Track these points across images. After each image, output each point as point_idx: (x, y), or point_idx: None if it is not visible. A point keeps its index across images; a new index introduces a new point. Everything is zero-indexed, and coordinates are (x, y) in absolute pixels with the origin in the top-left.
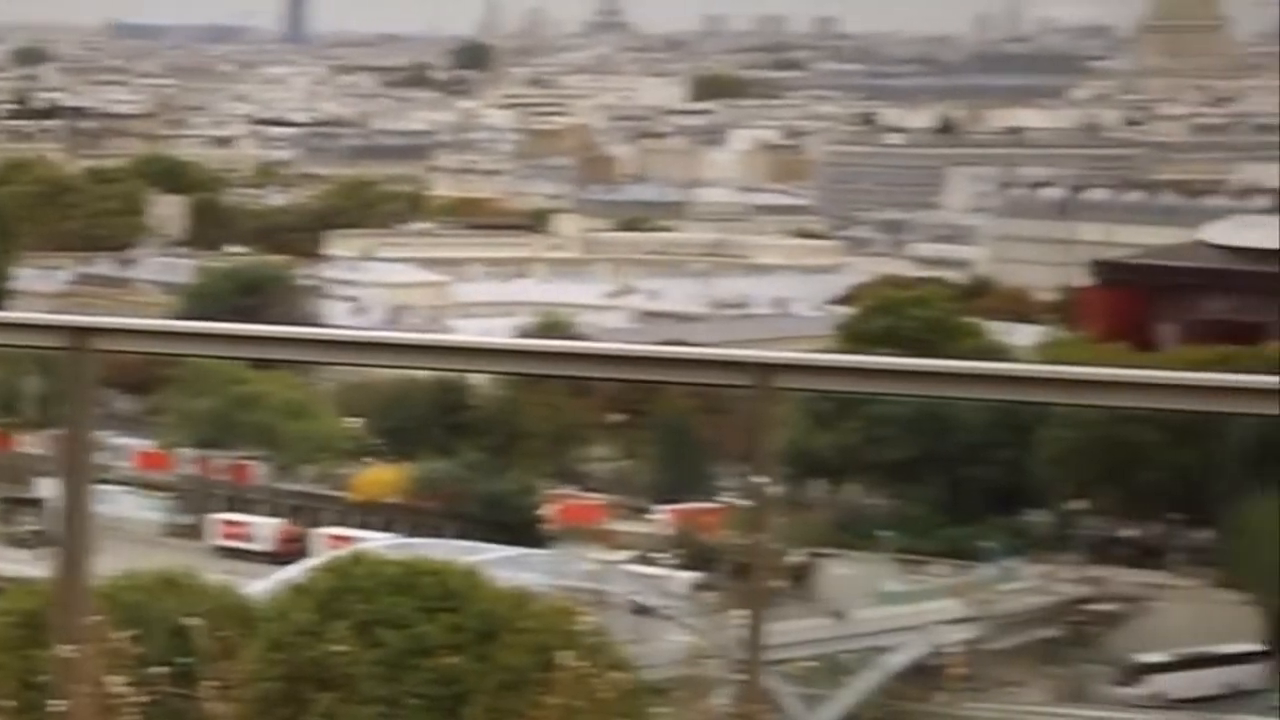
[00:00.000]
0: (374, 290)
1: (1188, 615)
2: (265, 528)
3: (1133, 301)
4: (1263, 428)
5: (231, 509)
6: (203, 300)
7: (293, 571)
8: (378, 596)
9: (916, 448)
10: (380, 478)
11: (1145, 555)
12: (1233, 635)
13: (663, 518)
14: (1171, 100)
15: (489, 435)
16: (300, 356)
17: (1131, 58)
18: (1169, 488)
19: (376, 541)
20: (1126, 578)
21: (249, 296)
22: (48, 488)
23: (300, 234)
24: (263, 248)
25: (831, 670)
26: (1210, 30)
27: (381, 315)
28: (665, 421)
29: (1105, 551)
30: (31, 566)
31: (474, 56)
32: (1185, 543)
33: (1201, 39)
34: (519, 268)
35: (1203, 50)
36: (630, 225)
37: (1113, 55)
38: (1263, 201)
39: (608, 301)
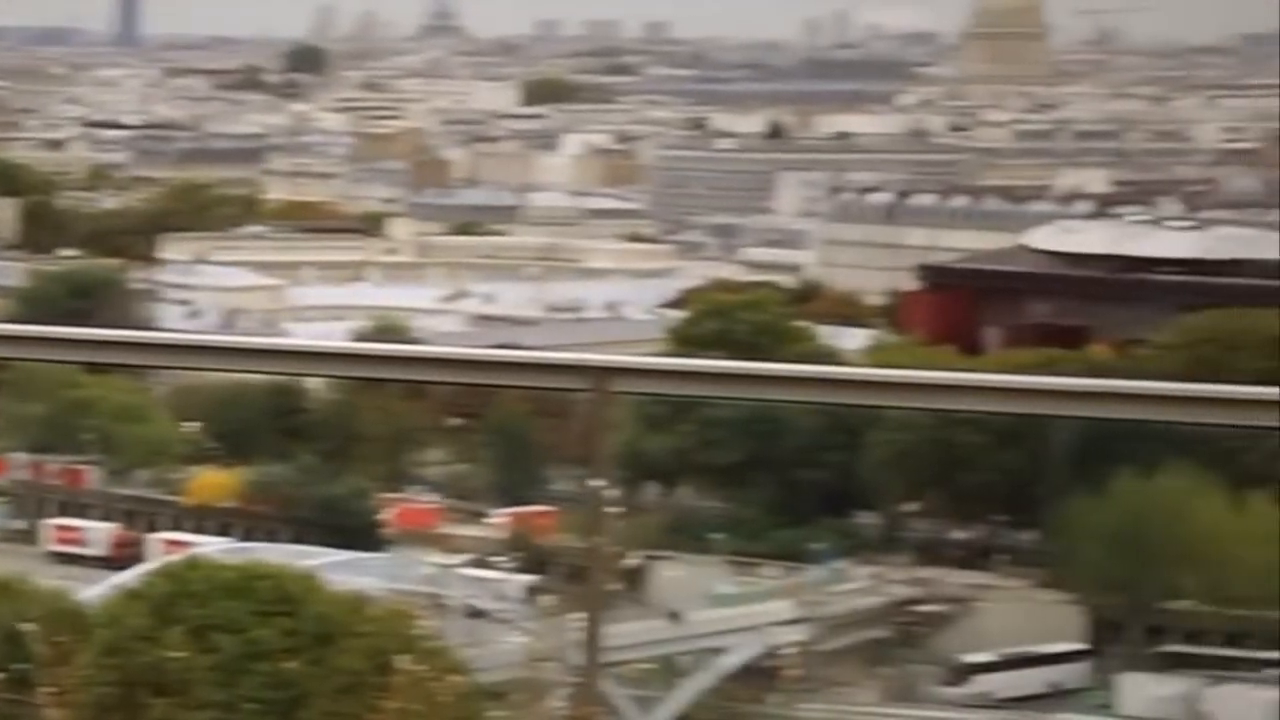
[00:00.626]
0: (208, 294)
1: (1013, 615)
2: (99, 532)
3: (959, 305)
4: (1084, 430)
5: (65, 514)
6: (35, 304)
7: (127, 576)
8: (213, 601)
9: (748, 450)
10: (215, 482)
11: (972, 556)
12: (1056, 635)
13: (499, 521)
14: (995, 106)
15: (324, 439)
16: (134, 360)
17: (956, 64)
18: (994, 490)
19: (212, 546)
20: (954, 579)
21: (82, 300)
22: None
23: (133, 237)
24: (95, 251)
25: (666, 672)
26: (1033, 38)
27: (216, 319)
28: (501, 425)
29: (933, 553)
30: None
31: (306, 59)
32: (1010, 544)
33: (1024, 46)
34: (353, 271)
35: (1025, 57)
36: (463, 229)
37: (938, 62)
38: (1085, 206)
39: (441, 305)
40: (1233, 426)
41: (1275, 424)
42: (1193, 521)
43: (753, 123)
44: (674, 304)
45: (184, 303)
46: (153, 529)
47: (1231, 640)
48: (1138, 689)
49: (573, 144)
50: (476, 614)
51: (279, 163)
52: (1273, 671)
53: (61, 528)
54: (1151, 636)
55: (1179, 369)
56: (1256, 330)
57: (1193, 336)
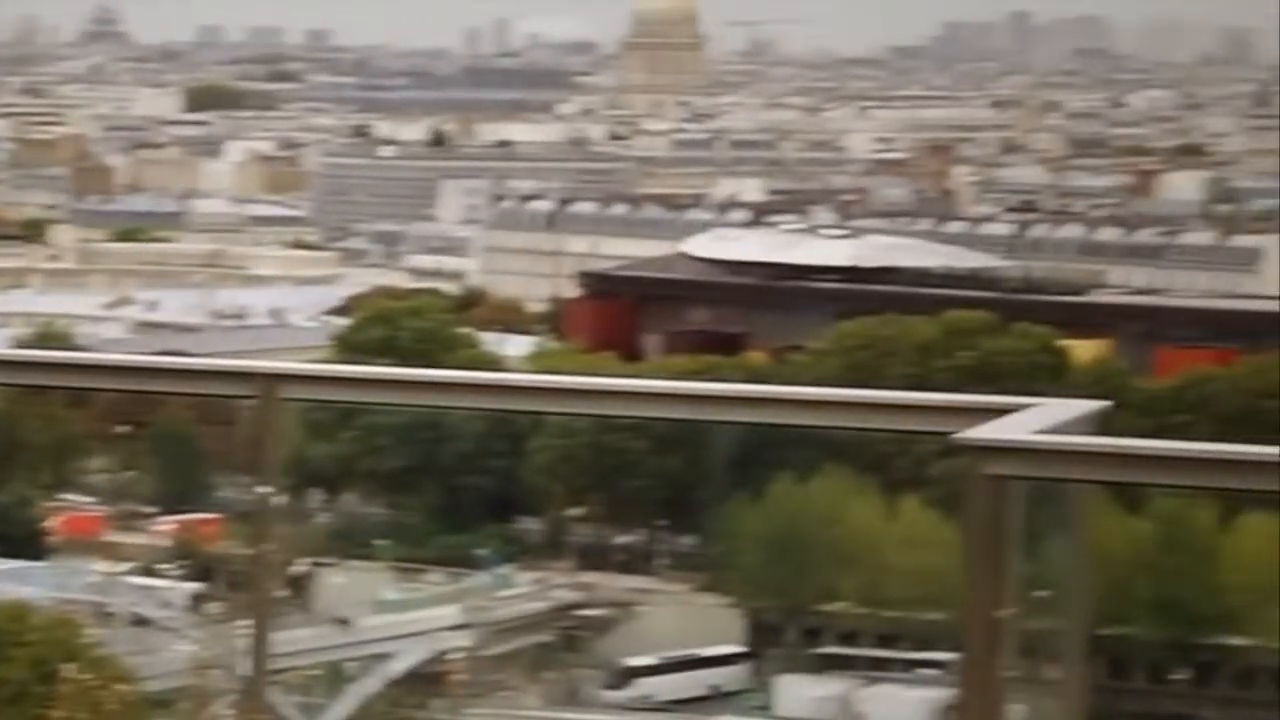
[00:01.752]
0: None
1: (674, 619)
2: None
3: (619, 312)
4: (742, 435)
5: None
6: None
7: None
8: None
9: (412, 457)
10: None
11: (633, 561)
12: (716, 637)
13: (164, 529)
14: (654, 116)
15: None
16: None
17: (615, 74)
18: (655, 495)
19: None
20: (616, 583)
21: None
22: None
23: None
24: None
25: (333, 678)
26: (689, 48)
27: None
28: (166, 432)
29: (596, 557)
30: None
31: None
32: (671, 548)
33: (681, 56)
34: (14, 278)
35: (683, 67)
36: (127, 236)
37: (598, 71)
38: (742, 214)
39: (105, 312)
40: (886, 431)
41: (927, 428)
42: (847, 525)
43: (415, 130)
44: (339, 311)
45: None
46: None
47: (884, 641)
48: (795, 690)
49: (236, 151)
50: (142, 622)
51: None
52: (924, 671)
53: None
54: (808, 638)
55: (834, 374)
56: (908, 336)
57: (847, 343)
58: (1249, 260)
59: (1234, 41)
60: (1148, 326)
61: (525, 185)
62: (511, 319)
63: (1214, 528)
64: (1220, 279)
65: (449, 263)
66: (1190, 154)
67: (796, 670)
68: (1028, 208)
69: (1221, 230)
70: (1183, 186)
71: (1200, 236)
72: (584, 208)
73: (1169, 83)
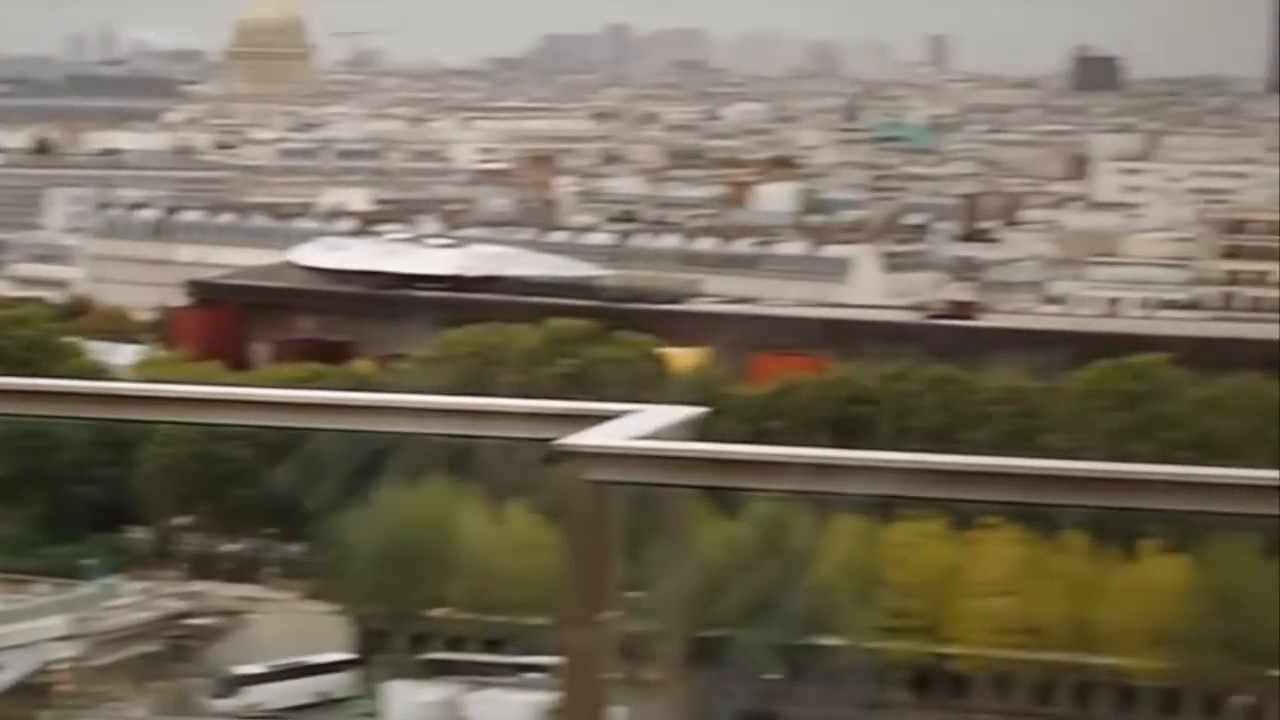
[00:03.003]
0: None
1: (283, 626)
2: None
3: (226, 320)
4: (349, 443)
5: None
6: None
7: None
8: None
9: (17, 466)
10: None
11: (242, 569)
12: (324, 645)
13: None
14: (260, 125)
15: None
16: None
17: (221, 83)
18: (263, 503)
19: None
20: (224, 591)
21: None
22: None
23: None
24: None
25: None
26: (295, 57)
27: None
28: None
29: (204, 566)
30: None
31: None
32: (279, 556)
33: (287, 66)
34: None
35: (288, 77)
36: None
37: (204, 80)
38: (348, 224)
39: None
40: (492, 438)
41: (531, 435)
42: (454, 531)
43: (19, 138)
44: None
45: None
46: None
47: (491, 646)
48: (403, 696)
49: None
50: None
51: None
52: (530, 676)
53: None
54: (415, 644)
55: (441, 382)
56: (513, 344)
57: (453, 350)
58: (839, 270)
59: (823, 56)
60: (743, 334)
61: (132, 193)
62: (118, 328)
63: (809, 531)
64: (812, 288)
65: (55, 271)
66: (782, 166)
67: (404, 676)
68: (628, 218)
69: (813, 240)
70: (776, 197)
71: (793, 247)
72: (191, 216)
73: (762, 96)
